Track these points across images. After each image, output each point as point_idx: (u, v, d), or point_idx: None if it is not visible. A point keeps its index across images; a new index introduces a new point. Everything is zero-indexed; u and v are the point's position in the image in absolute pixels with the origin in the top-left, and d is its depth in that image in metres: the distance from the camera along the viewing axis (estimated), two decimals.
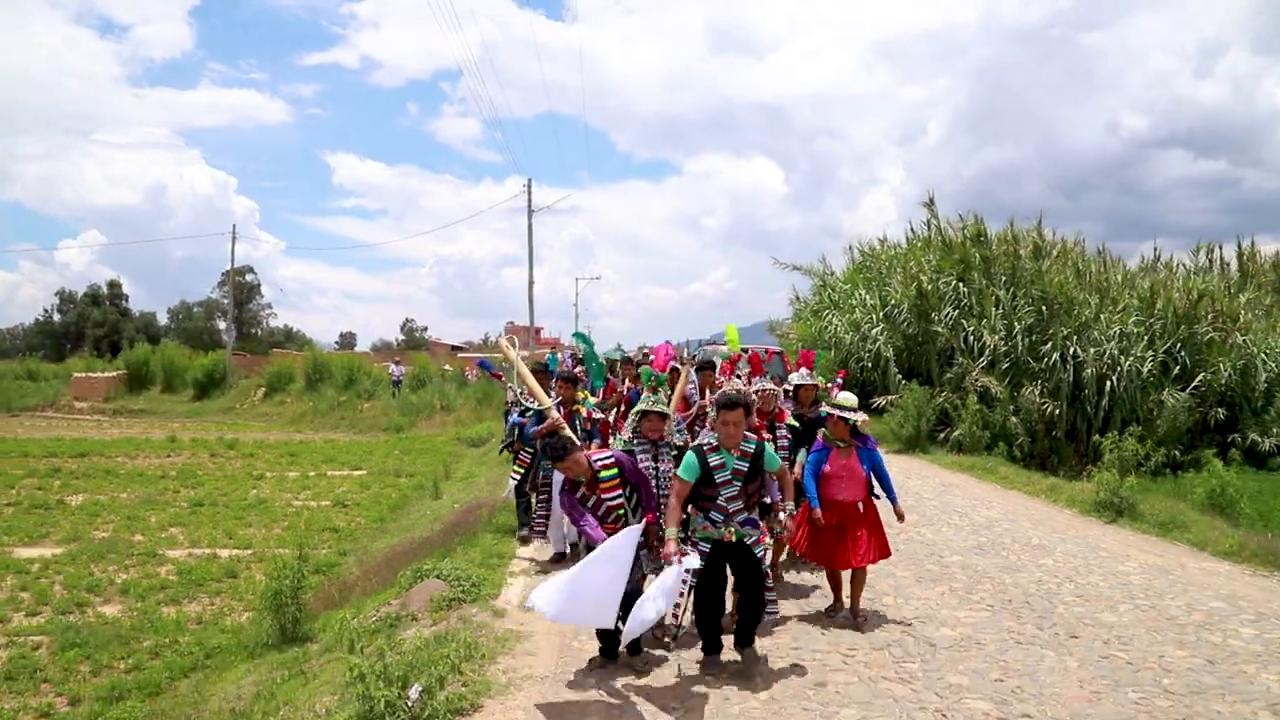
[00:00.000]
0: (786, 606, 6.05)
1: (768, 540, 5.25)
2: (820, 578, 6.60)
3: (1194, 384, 17.55)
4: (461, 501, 12.05)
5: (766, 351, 18.02)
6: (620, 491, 5.01)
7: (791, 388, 7.31)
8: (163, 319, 77.21)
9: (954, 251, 20.16)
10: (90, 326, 70.14)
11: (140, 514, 13.38)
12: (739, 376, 7.34)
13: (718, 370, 7.70)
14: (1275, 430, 17.14)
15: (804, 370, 7.46)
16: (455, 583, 6.38)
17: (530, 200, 34.16)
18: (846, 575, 6.02)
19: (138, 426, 30.52)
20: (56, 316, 73.61)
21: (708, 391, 7.37)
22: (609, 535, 4.78)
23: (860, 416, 5.90)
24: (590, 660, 5.12)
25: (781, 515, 5.37)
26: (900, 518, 5.86)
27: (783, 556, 6.84)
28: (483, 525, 9.04)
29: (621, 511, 5.00)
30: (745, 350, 8.88)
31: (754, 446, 4.92)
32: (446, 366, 36.59)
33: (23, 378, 40.67)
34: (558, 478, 6.64)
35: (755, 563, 4.91)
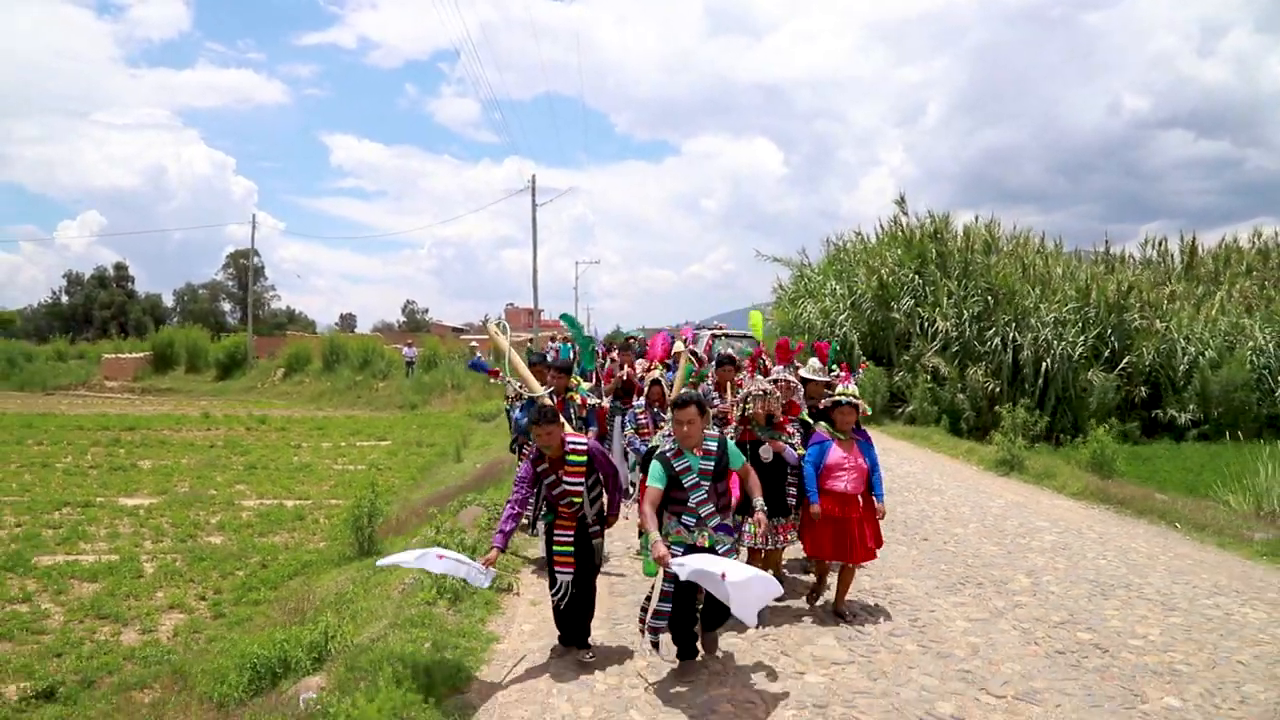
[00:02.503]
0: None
1: (744, 548, 5.48)
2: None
3: (1121, 366, 20.02)
4: (482, 463, 14.48)
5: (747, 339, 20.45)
6: (581, 479, 5.08)
7: (800, 381, 6.82)
8: (168, 301, 79.87)
9: (914, 247, 22.55)
10: (98, 308, 72.41)
11: (206, 474, 15.76)
12: (764, 371, 7.21)
13: (743, 363, 7.66)
14: (1192, 407, 19.59)
15: (815, 363, 7.19)
16: (491, 508, 8.81)
17: (534, 192, 36.42)
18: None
19: (168, 404, 32.87)
20: (64, 298, 76.05)
21: (728, 389, 7.18)
22: (557, 517, 5.12)
23: (863, 405, 5.91)
24: (552, 649, 5.33)
25: (758, 513, 5.10)
26: (880, 515, 5.85)
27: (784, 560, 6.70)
28: (506, 474, 11.42)
29: (578, 500, 5.09)
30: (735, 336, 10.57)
31: (716, 445, 4.86)
32: (474, 343, 38.79)
33: (53, 359, 43.01)
34: None
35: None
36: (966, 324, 20.31)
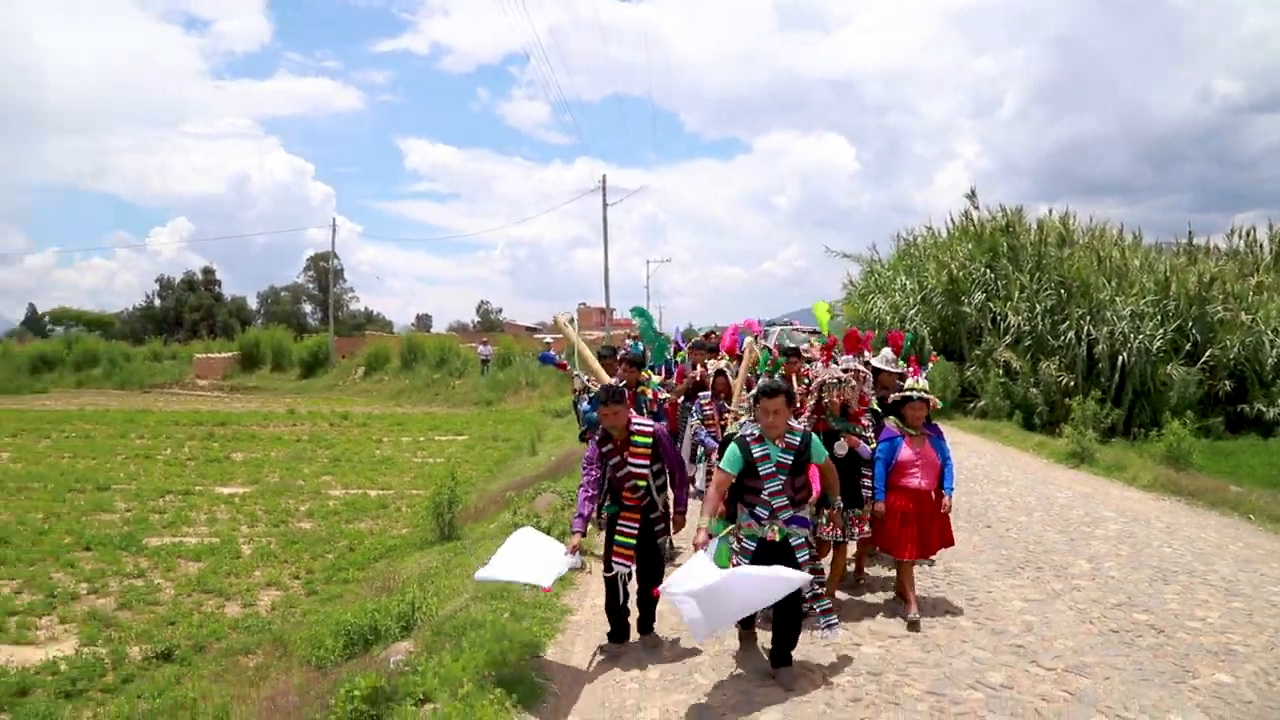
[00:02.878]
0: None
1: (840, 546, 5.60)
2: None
3: (1203, 359, 19.52)
4: (556, 455, 14.93)
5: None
6: (647, 461, 5.04)
7: (870, 371, 6.49)
8: (253, 303, 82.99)
9: (985, 241, 22.30)
10: (187, 311, 75.61)
11: (294, 466, 16.57)
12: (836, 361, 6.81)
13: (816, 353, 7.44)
14: None
15: (888, 353, 6.86)
16: (565, 494, 9.20)
17: (605, 192, 36.93)
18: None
19: (255, 401, 34.32)
20: (157, 302, 79.52)
21: (794, 380, 6.88)
22: (623, 506, 5.07)
23: (933, 399, 5.83)
24: (601, 647, 5.25)
25: (833, 510, 5.29)
26: (946, 509, 5.77)
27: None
28: (580, 464, 11.81)
29: (644, 483, 5.05)
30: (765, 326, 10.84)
31: (799, 438, 4.69)
32: (547, 339, 39.55)
33: (149, 359, 45.19)
34: None
35: (796, 566, 4.59)
36: (1039, 318, 20.02)
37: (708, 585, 4.25)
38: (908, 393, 5.73)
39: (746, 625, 5.09)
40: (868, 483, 5.77)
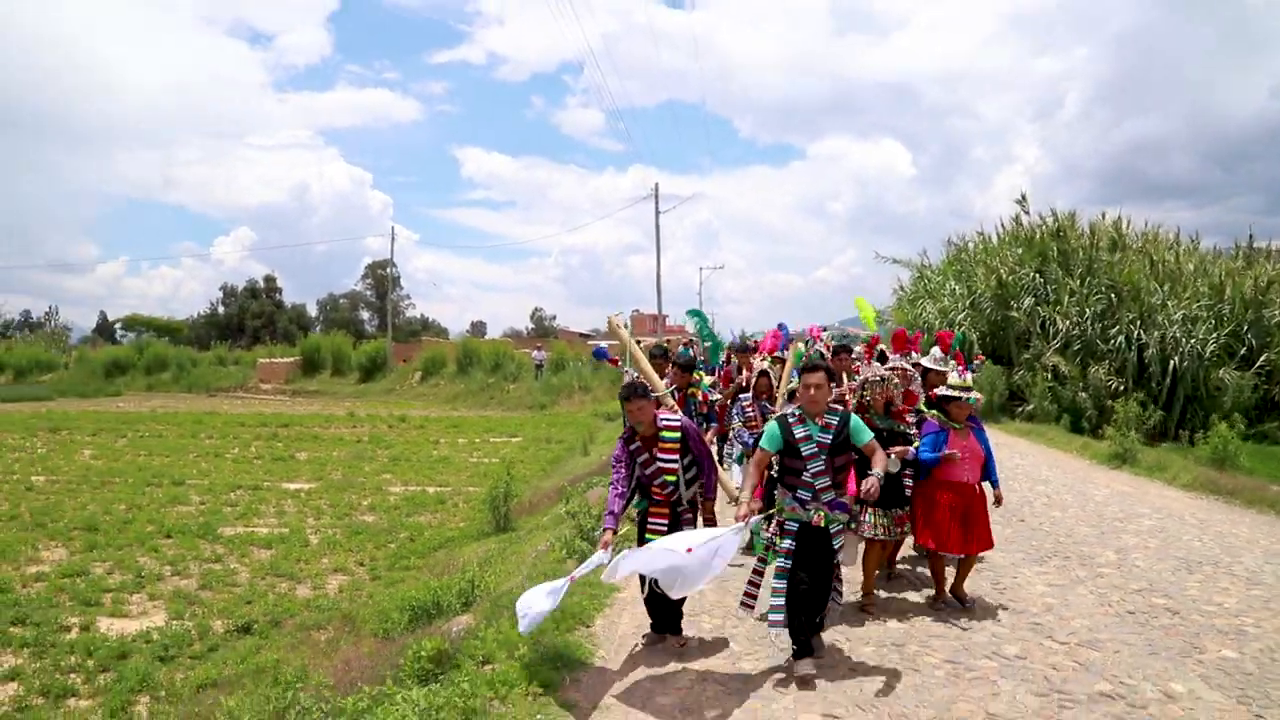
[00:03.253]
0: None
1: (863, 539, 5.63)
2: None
3: (1259, 364, 19.34)
4: (607, 455, 15.38)
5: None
6: (676, 456, 4.99)
7: (921, 371, 6.69)
8: (312, 310, 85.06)
9: (1035, 246, 22.31)
10: (249, 318, 77.78)
11: (355, 465, 17.27)
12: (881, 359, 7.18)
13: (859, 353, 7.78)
14: None
15: (937, 352, 6.88)
16: None
17: (657, 200, 37.44)
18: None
19: (317, 404, 35.41)
20: (221, 309, 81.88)
21: (844, 377, 7.18)
22: (653, 501, 5.07)
23: (977, 395, 5.83)
24: (644, 636, 5.32)
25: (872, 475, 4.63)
26: (998, 501, 5.84)
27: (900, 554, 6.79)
28: None
29: (673, 478, 4.99)
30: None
31: (839, 418, 4.73)
32: (605, 344, 40.32)
33: (214, 363, 46.82)
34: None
35: (831, 552, 4.72)
36: (1089, 322, 20.03)
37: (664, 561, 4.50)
38: (949, 392, 5.71)
39: (804, 653, 4.75)
40: (910, 483, 5.79)
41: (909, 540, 6.24)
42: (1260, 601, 5.83)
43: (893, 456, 5.40)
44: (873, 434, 4.87)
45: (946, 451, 5.57)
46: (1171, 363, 19.09)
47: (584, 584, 6.17)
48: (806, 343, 9.28)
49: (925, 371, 6.56)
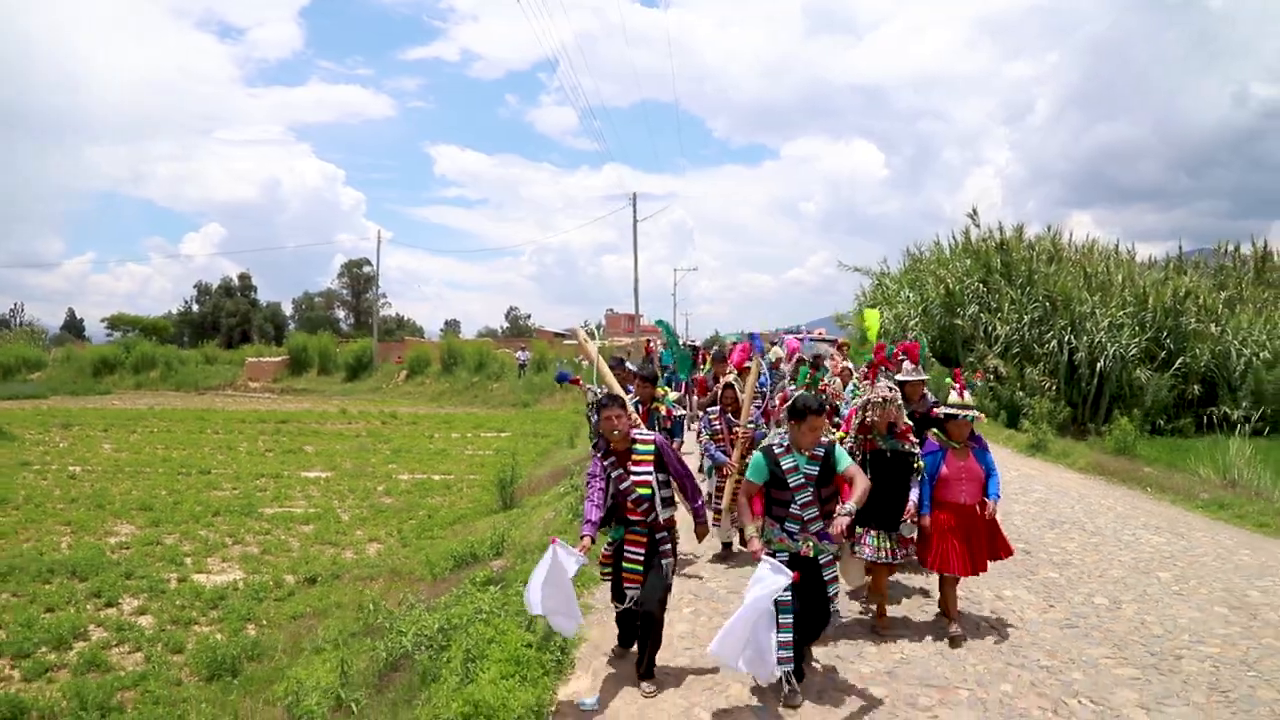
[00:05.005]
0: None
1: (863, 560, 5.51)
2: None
3: (1176, 366, 21.58)
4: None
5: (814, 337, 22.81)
6: (650, 469, 4.93)
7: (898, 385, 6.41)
8: (287, 309, 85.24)
9: (981, 257, 24.45)
10: (224, 316, 77.58)
11: (362, 456, 19.00)
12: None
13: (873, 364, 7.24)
14: (1245, 404, 21.02)
15: (909, 365, 6.93)
16: None
17: (635, 209, 39.32)
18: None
19: (307, 402, 36.88)
20: (195, 307, 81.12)
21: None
22: (629, 525, 4.94)
23: (978, 413, 5.78)
24: (613, 650, 5.34)
25: (841, 514, 4.54)
26: (988, 513, 5.75)
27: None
28: None
29: (647, 491, 4.91)
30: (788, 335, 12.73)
31: (823, 449, 4.72)
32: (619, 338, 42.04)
33: (203, 362, 48.12)
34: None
35: (823, 582, 4.73)
36: (1026, 328, 22.14)
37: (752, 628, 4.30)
38: (950, 410, 5.70)
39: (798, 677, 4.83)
40: (911, 509, 5.61)
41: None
42: (1091, 546, 7.82)
43: (912, 525, 5.49)
44: (852, 460, 4.87)
45: (944, 473, 5.56)
46: (1098, 365, 21.24)
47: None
48: (805, 364, 9.60)
49: (902, 384, 6.49)
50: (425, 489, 14.93)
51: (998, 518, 5.86)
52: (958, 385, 6.00)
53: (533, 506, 11.54)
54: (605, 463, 4.96)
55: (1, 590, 8.67)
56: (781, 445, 4.78)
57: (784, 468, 4.69)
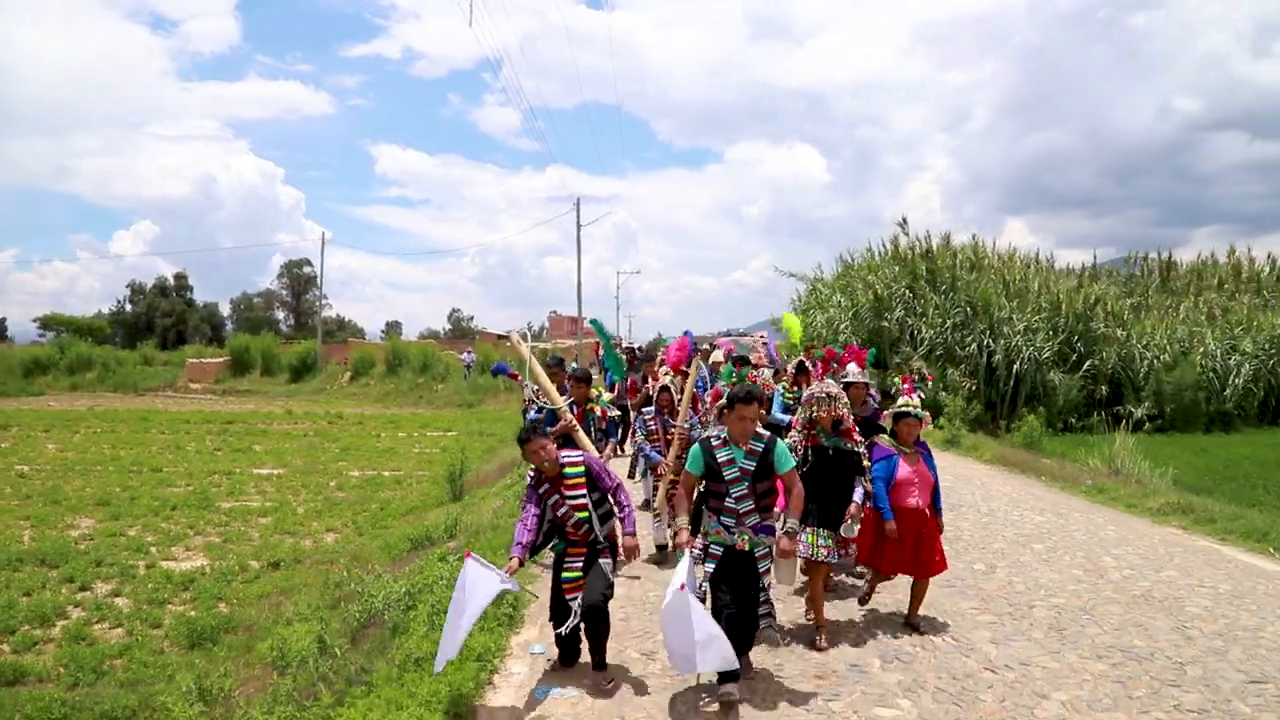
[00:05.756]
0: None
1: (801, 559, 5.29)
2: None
3: (1084, 368, 23.13)
4: None
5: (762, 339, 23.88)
6: (584, 491, 4.95)
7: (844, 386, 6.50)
8: (225, 309, 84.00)
9: (907, 265, 25.78)
10: (159, 316, 76.17)
11: (312, 454, 19.47)
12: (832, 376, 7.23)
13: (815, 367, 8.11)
14: (1147, 404, 22.63)
15: (854, 367, 7.03)
16: None
17: (579, 214, 40.13)
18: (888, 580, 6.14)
19: (251, 403, 36.87)
20: (128, 307, 79.25)
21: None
22: (569, 543, 4.99)
23: (925, 414, 5.83)
24: (551, 664, 5.20)
25: (781, 536, 4.79)
26: (939, 529, 5.80)
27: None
28: None
29: (585, 514, 4.94)
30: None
31: (763, 444, 4.75)
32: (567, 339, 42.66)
33: (141, 363, 47.60)
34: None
35: (756, 575, 4.76)
36: (948, 332, 23.49)
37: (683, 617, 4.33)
38: (901, 409, 5.74)
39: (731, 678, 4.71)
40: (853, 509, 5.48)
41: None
42: (982, 525, 8.88)
43: (852, 525, 5.41)
44: (795, 463, 4.94)
45: (899, 477, 5.61)
46: (1015, 366, 22.68)
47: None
48: (734, 361, 10.25)
49: (847, 386, 6.65)
50: (376, 484, 15.53)
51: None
52: (906, 387, 6.21)
53: (481, 497, 12.27)
54: (540, 490, 4.99)
55: None
56: (719, 438, 4.84)
57: (719, 460, 4.74)
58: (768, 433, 4.87)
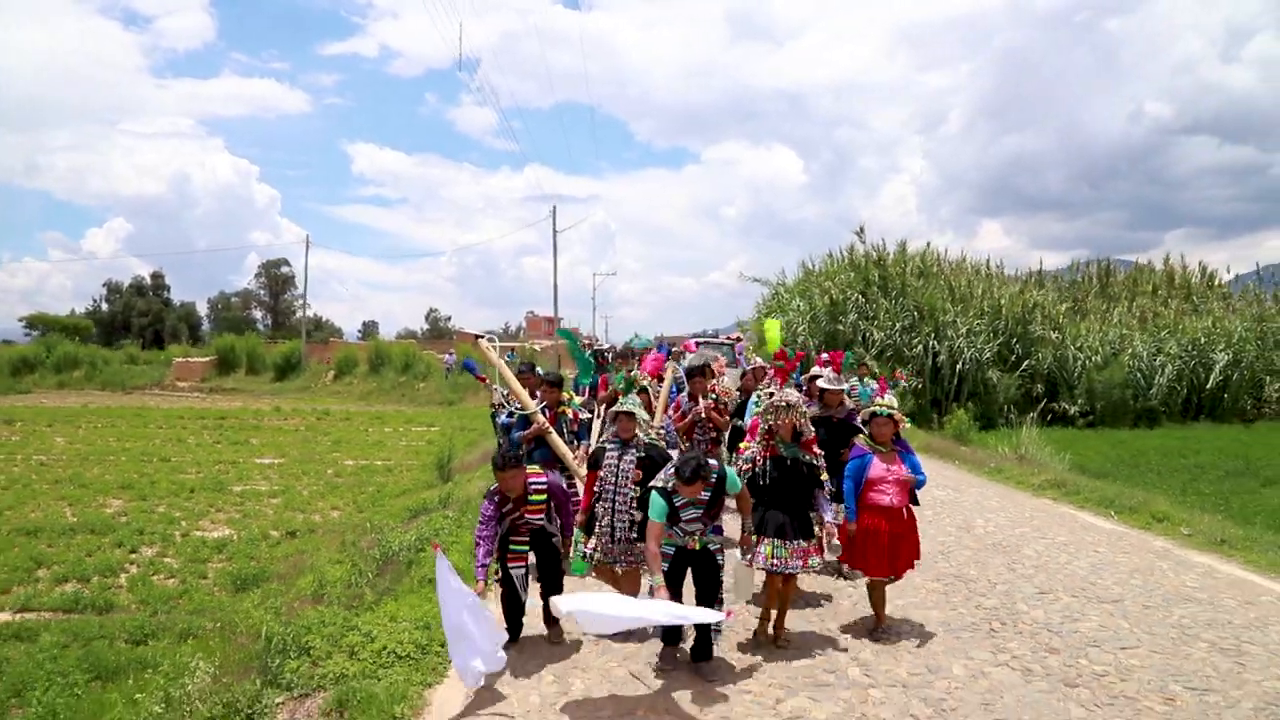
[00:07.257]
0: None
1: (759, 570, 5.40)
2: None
3: (1022, 368, 25.11)
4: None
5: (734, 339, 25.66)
6: (543, 515, 5.38)
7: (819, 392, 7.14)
8: (202, 308, 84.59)
9: (861, 271, 27.70)
10: (136, 315, 76.79)
11: (305, 447, 21.02)
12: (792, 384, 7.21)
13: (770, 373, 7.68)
14: (1080, 401, 24.62)
15: (831, 373, 7.13)
16: None
17: (555, 219, 41.74)
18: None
19: (238, 401, 38.17)
20: (104, 306, 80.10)
21: (699, 398, 7.55)
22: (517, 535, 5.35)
23: (901, 417, 5.83)
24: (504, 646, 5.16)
25: (744, 535, 5.35)
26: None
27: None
28: None
29: (540, 526, 5.41)
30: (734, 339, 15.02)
31: (715, 476, 4.93)
32: (498, 344, 44.25)
33: (127, 362, 48.73)
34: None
35: (716, 569, 5.03)
36: (897, 334, 25.41)
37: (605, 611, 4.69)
38: (875, 409, 5.77)
39: (670, 641, 5.24)
40: (828, 515, 5.56)
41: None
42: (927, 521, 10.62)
43: (834, 543, 5.66)
44: (742, 485, 5.23)
45: (871, 475, 5.66)
46: (957, 366, 24.62)
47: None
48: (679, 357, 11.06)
49: (822, 393, 6.87)
50: (369, 471, 17.14)
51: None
52: (880, 387, 6.42)
53: (468, 479, 13.93)
54: (503, 509, 5.26)
55: (37, 543, 10.72)
56: (669, 485, 4.96)
57: (678, 504, 4.95)
58: (714, 463, 5.03)
